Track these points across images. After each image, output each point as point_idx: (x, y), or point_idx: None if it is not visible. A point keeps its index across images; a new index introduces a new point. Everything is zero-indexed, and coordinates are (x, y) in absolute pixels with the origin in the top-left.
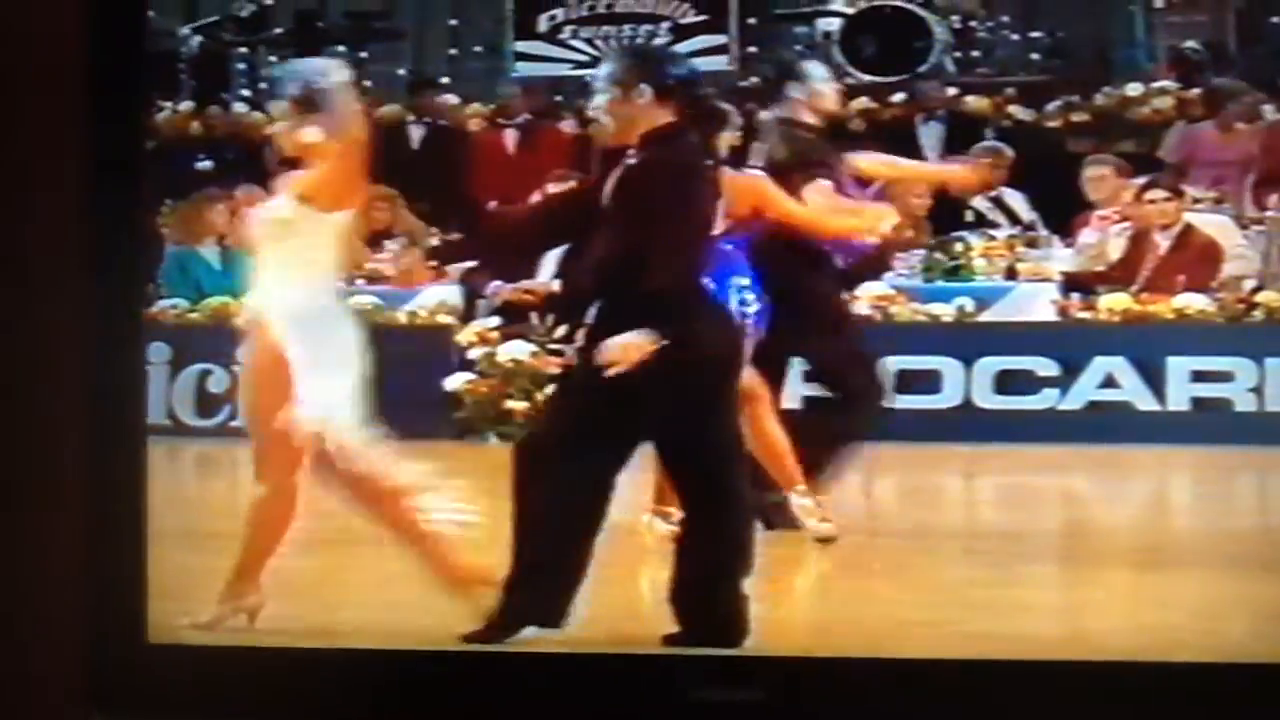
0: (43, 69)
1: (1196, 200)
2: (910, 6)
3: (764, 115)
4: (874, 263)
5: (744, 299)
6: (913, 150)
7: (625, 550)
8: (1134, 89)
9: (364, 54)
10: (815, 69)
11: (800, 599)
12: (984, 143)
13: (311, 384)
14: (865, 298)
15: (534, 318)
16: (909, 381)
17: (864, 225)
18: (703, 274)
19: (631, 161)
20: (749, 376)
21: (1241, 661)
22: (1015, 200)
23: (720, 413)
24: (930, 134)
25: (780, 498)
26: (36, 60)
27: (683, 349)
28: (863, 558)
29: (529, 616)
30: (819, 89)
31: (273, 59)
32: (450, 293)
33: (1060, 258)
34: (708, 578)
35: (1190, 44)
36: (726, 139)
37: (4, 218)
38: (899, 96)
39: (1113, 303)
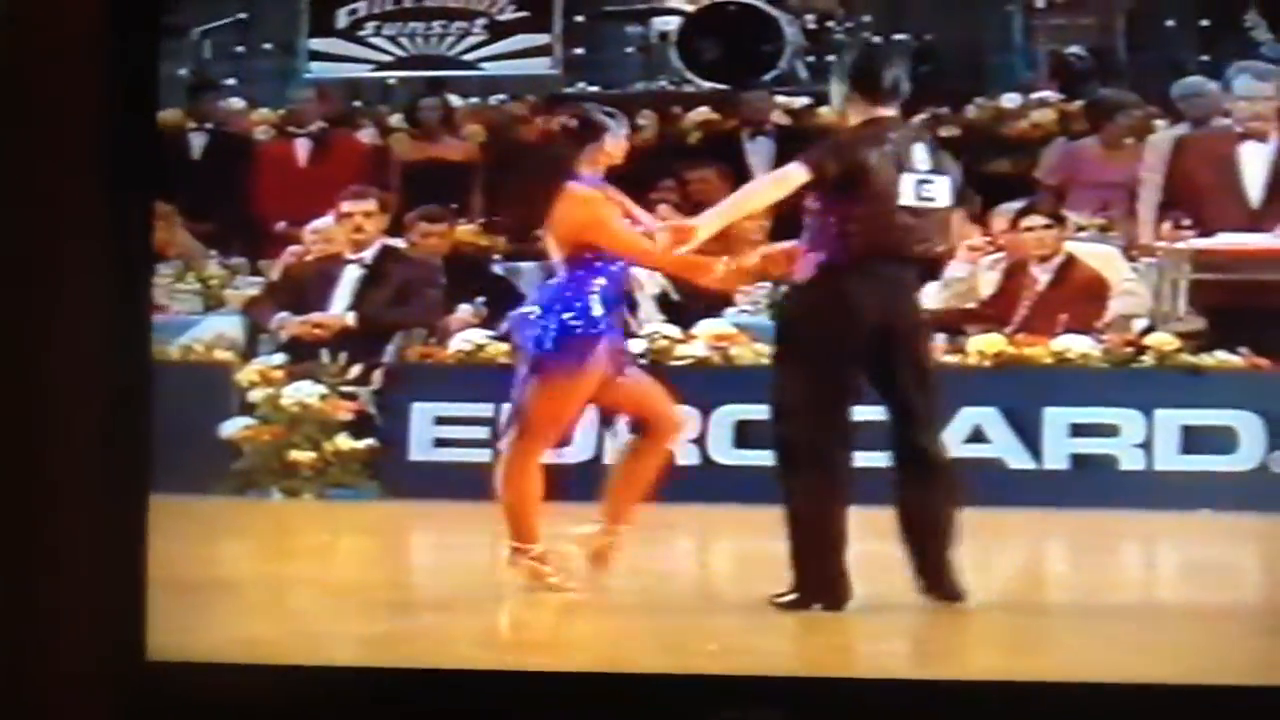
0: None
1: (1080, 228)
2: (759, 4)
3: None
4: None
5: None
6: (740, 168)
7: None
8: (1011, 100)
9: None
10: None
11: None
12: None
13: None
14: (703, 337)
15: (324, 355)
16: (749, 434)
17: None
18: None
19: None
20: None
21: None
22: None
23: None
24: (759, 151)
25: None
26: (52, 67)
27: None
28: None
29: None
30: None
31: None
32: (230, 324)
33: (925, 294)
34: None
35: (1074, 49)
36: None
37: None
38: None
39: (983, 345)
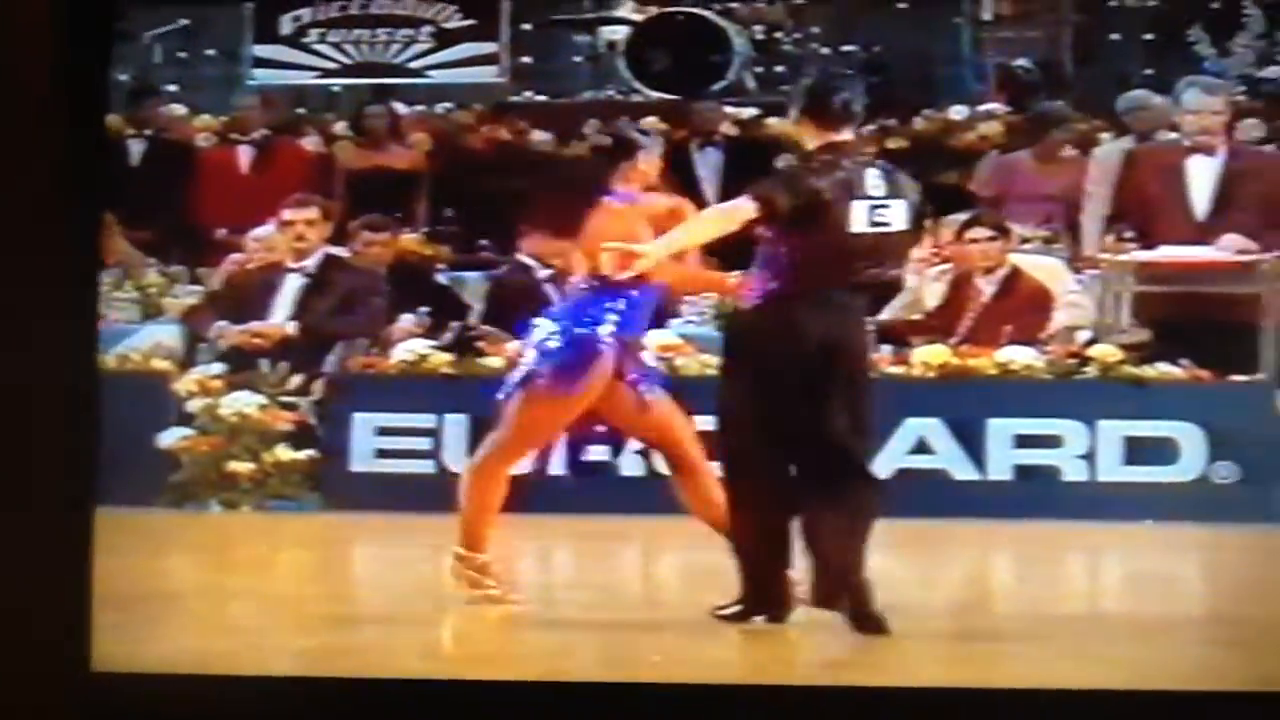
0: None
1: (1025, 240)
2: (707, 15)
3: None
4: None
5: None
6: (689, 181)
7: None
8: (958, 112)
9: None
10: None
11: None
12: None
13: None
14: (649, 347)
15: (264, 365)
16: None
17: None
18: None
19: None
20: None
21: None
22: None
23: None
24: (708, 161)
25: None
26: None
27: None
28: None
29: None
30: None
31: None
32: (168, 333)
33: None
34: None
35: (1022, 62)
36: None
37: None
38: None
39: (928, 356)
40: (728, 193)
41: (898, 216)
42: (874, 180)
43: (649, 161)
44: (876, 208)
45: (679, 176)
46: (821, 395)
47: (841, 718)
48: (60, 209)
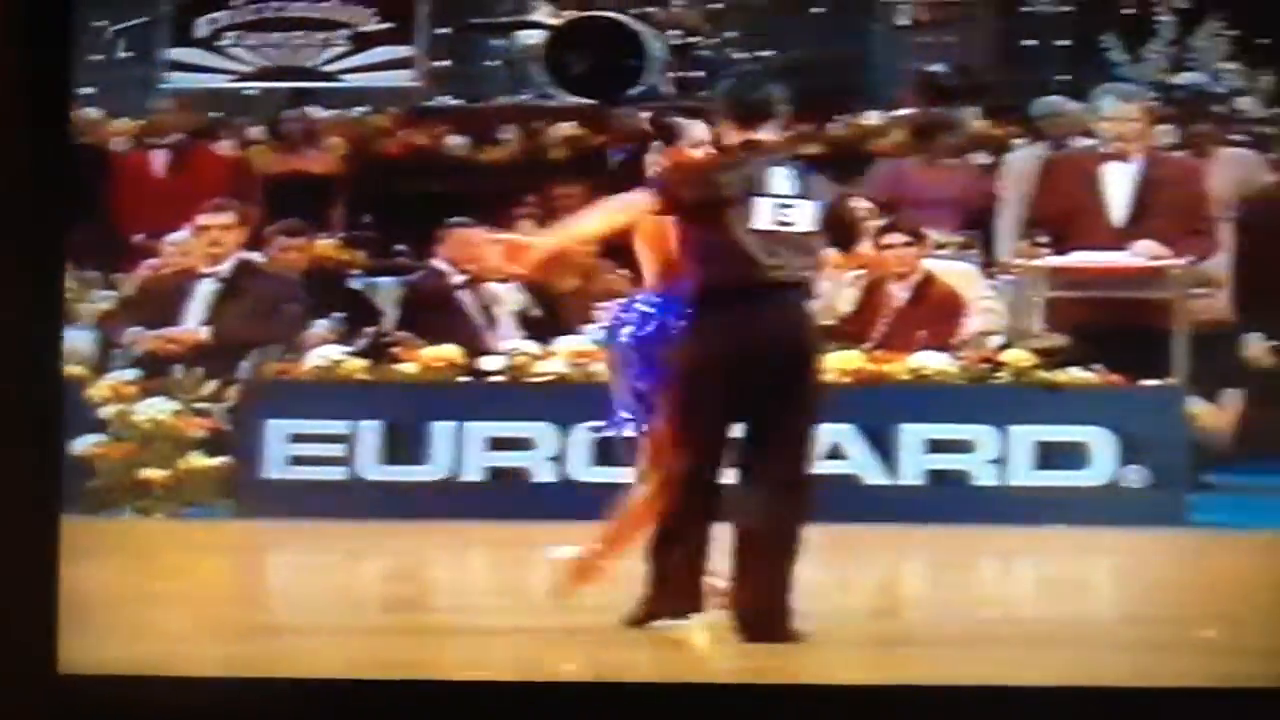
0: None
1: (940, 245)
2: (624, 19)
3: None
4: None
5: None
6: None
7: None
8: (874, 117)
9: None
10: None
11: None
12: None
13: None
14: (563, 353)
15: (178, 371)
16: (609, 450)
17: None
18: None
19: None
20: None
21: None
22: None
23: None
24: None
25: None
26: None
27: None
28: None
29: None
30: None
31: None
32: (82, 339)
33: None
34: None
35: (938, 68)
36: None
37: None
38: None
39: (841, 361)
40: None
41: (804, 217)
42: (782, 179)
43: (692, 146)
44: (782, 206)
45: (598, 181)
46: (740, 397)
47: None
48: (23, 213)
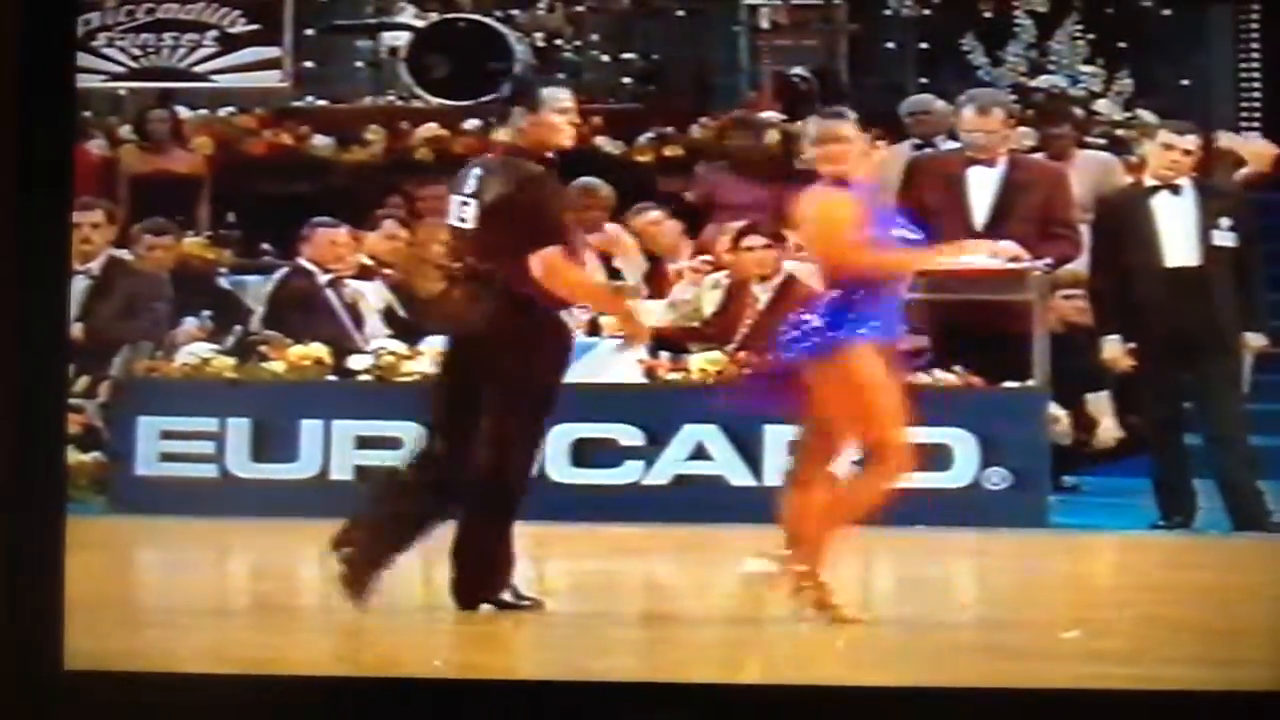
0: None
1: (800, 247)
2: (488, 21)
3: None
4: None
5: None
6: None
7: None
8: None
9: None
10: (553, 93)
11: None
12: (580, 180)
13: None
14: (430, 354)
15: None
16: None
17: None
18: None
19: None
20: None
21: None
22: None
23: None
24: None
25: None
26: None
27: None
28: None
29: None
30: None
31: None
32: None
33: (649, 311)
34: None
35: (798, 70)
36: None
37: None
38: (473, 123)
39: (706, 362)
40: None
41: (470, 215)
42: (469, 177)
43: (555, 113)
44: (462, 204)
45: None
46: (457, 384)
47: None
48: (27, 212)
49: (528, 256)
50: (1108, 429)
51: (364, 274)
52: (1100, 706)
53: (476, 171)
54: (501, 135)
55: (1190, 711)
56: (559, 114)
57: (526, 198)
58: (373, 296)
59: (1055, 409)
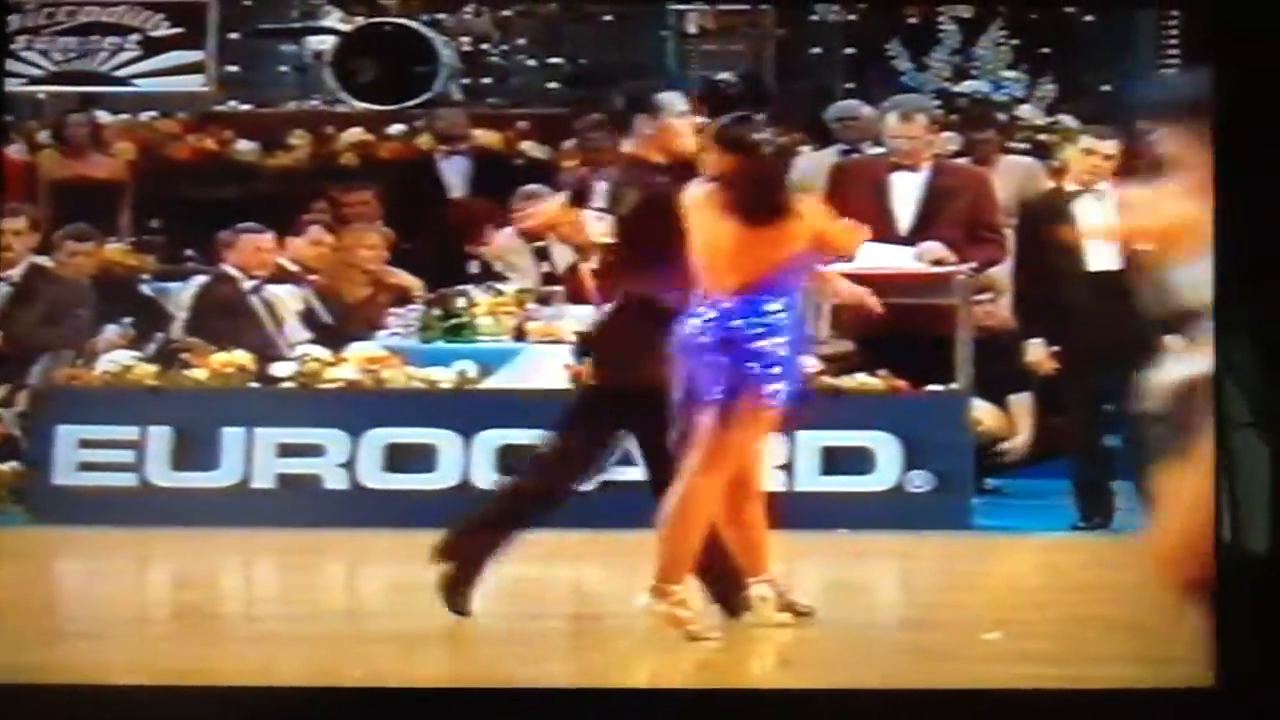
0: None
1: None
2: (414, 25)
3: None
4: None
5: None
6: (436, 188)
7: None
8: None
9: None
10: (671, 98)
11: None
12: (529, 186)
13: None
14: (353, 360)
15: None
16: (400, 457)
17: None
18: None
19: None
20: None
21: None
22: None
23: None
24: (454, 170)
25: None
26: None
27: None
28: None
29: None
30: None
31: None
32: None
33: (575, 316)
34: None
35: (725, 76)
36: None
37: None
38: (398, 128)
39: None
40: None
41: (606, 229)
42: (599, 191)
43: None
44: (595, 219)
45: (418, 186)
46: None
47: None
48: None
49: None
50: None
51: (282, 277)
52: (1029, 706)
53: (605, 185)
54: (626, 146)
55: (1118, 710)
56: (679, 118)
57: (660, 206)
58: (290, 299)
59: (987, 411)
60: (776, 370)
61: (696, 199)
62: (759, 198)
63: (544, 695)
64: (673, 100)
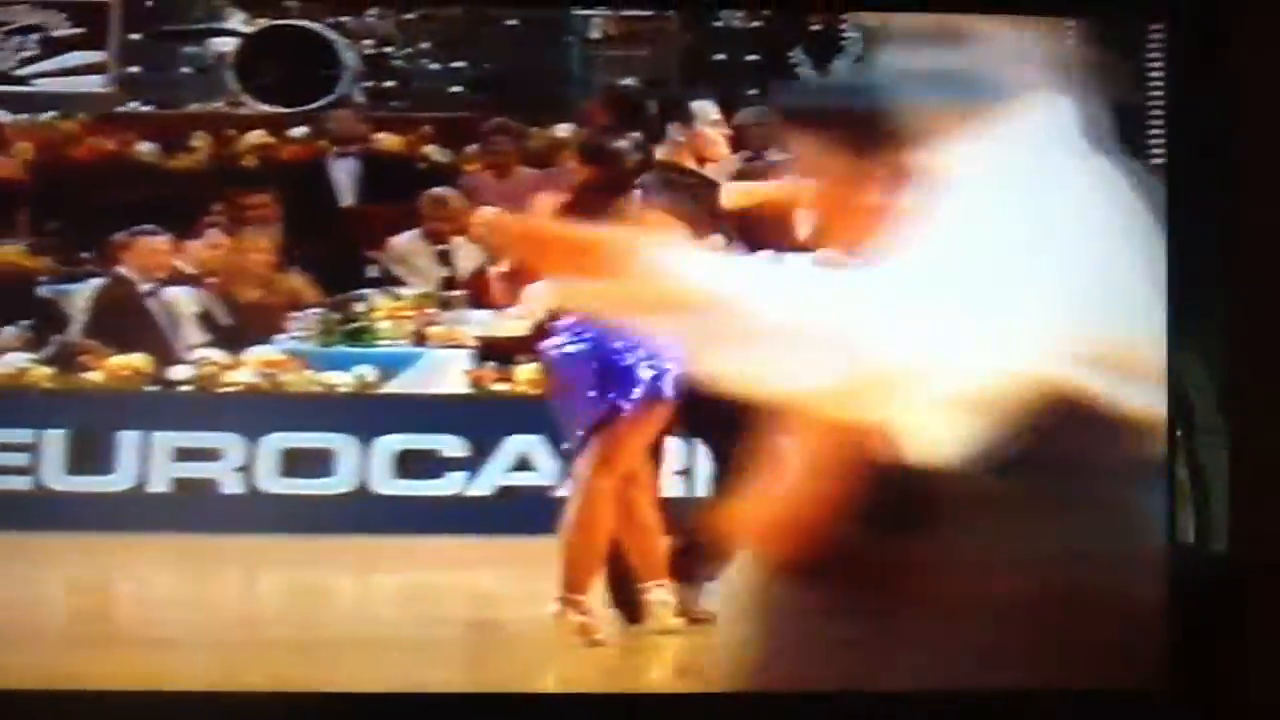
0: None
1: None
2: (317, 28)
3: None
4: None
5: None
6: (327, 193)
7: None
8: (565, 130)
9: None
10: (703, 106)
11: None
12: (433, 190)
13: None
14: (252, 363)
15: None
16: (298, 462)
17: None
18: None
19: None
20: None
21: None
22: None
23: None
24: (344, 172)
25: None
26: None
27: None
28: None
29: None
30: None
31: None
32: None
33: (476, 320)
34: None
35: (628, 81)
36: None
37: None
38: (301, 130)
39: (532, 373)
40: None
41: None
42: (633, 199)
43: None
44: None
45: (318, 189)
46: None
47: None
48: None
49: None
50: None
51: (180, 280)
52: (976, 709)
53: (639, 194)
54: (659, 153)
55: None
56: (712, 126)
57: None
58: (188, 304)
59: None
60: (648, 368)
61: (547, 208)
62: (609, 207)
63: (440, 700)
64: (706, 109)
